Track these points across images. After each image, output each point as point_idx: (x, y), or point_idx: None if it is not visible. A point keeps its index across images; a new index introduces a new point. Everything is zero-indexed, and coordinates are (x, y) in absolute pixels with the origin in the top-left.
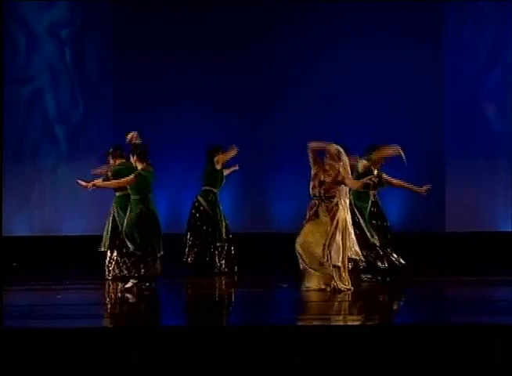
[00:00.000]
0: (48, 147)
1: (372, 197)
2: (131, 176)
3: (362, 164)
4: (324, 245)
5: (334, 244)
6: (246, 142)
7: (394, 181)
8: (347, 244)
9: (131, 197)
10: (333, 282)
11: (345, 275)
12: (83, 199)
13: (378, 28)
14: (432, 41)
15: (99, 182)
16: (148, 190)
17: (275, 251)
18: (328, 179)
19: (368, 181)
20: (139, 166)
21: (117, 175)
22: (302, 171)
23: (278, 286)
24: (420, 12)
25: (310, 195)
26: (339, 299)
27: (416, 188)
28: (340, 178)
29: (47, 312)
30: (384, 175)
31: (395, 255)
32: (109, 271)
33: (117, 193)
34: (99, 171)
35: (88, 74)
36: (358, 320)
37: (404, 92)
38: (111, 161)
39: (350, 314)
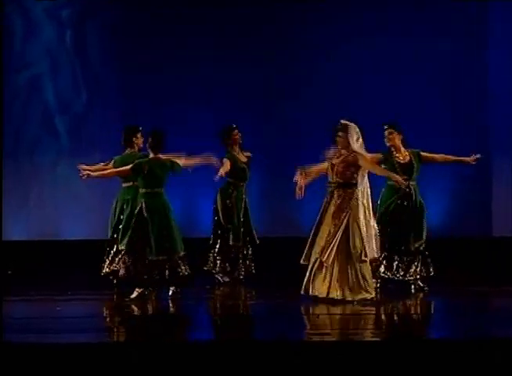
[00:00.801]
0: (47, 141)
1: (403, 189)
2: (131, 165)
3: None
4: (329, 243)
5: (339, 245)
6: (262, 139)
7: (438, 156)
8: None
9: (139, 190)
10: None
11: (362, 281)
12: (86, 199)
13: (416, 19)
14: (476, 34)
15: (95, 169)
16: (156, 184)
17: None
18: (337, 160)
19: (400, 183)
20: (151, 156)
21: (120, 164)
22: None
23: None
24: (464, 3)
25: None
26: (363, 311)
27: (463, 158)
28: (351, 156)
29: (47, 325)
30: (423, 153)
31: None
32: (102, 267)
33: (124, 185)
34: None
35: (91, 59)
36: (386, 334)
37: (445, 85)
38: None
39: (375, 328)
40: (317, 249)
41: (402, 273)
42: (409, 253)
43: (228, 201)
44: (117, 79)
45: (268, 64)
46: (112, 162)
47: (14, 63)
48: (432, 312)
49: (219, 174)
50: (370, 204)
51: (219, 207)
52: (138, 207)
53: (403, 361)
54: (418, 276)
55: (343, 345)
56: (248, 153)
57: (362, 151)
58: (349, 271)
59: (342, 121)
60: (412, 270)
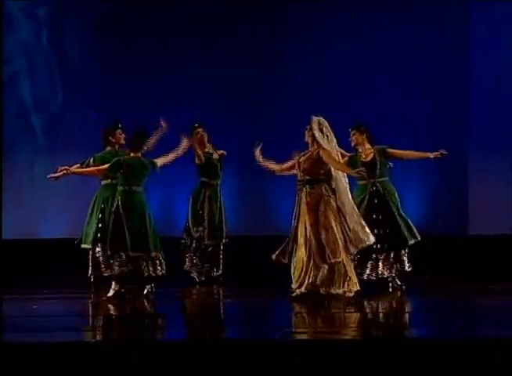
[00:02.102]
0: (24, 139)
1: (370, 187)
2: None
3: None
4: (305, 244)
5: (316, 243)
6: (245, 139)
7: (405, 153)
8: (344, 237)
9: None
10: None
11: (346, 276)
12: (63, 198)
13: (400, 19)
14: (457, 33)
15: (74, 168)
16: (133, 182)
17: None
18: (303, 158)
19: (356, 174)
20: (131, 154)
21: (100, 162)
22: None
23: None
24: (446, 3)
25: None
26: (338, 310)
27: (427, 154)
28: (315, 152)
29: (23, 324)
30: (390, 150)
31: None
32: (91, 270)
33: (102, 182)
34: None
35: (69, 57)
36: (364, 334)
37: (425, 85)
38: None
39: (354, 327)
40: (296, 248)
41: (376, 272)
42: (382, 250)
43: (198, 205)
44: (96, 78)
45: (252, 64)
46: (91, 160)
47: None
48: (410, 310)
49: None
50: (350, 198)
51: (189, 212)
52: (115, 205)
53: (383, 361)
54: (394, 275)
55: (321, 343)
56: (220, 152)
57: (329, 147)
58: (326, 267)
59: (312, 118)
60: (386, 268)
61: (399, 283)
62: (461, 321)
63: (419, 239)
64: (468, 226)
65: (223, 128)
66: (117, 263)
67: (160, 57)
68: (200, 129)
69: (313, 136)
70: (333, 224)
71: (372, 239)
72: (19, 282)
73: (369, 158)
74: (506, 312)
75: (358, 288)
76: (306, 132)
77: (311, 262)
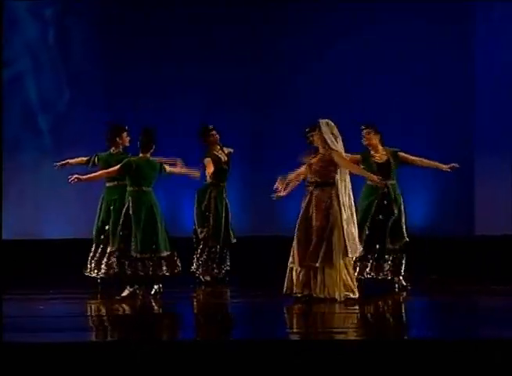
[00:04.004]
0: (29, 139)
1: (381, 189)
2: (121, 163)
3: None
4: (315, 245)
5: (327, 245)
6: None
7: (416, 159)
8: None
9: (127, 188)
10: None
11: (348, 280)
12: (69, 199)
13: (401, 19)
14: (461, 33)
15: (85, 177)
16: (143, 183)
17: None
18: (315, 160)
19: (376, 181)
20: (140, 155)
21: (105, 163)
22: None
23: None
24: (449, 3)
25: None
26: (347, 310)
27: (440, 165)
28: (327, 155)
29: (28, 325)
30: (401, 154)
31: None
32: (89, 267)
33: (108, 184)
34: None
35: (74, 57)
36: (370, 334)
37: (430, 86)
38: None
39: (359, 327)
40: (304, 252)
41: (382, 272)
42: (388, 252)
43: (203, 205)
44: (101, 78)
45: (252, 64)
46: (95, 159)
47: None
48: (411, 310)
49: (206, 177)
50: (352, 202)
51: (195, 213)
52: (126, 206)
53: (384, 361)
54: (401, 276)
55: (324, 343)
56: (229, 150)
57: (339, 149)
58: (333, 270)
59: (319, 121)
60: (392, 268)
61: (405, 283)
62: (465, 321)
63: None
64: (474, 227)
65: (224, 126)
66: (127, 264)
67: (161, 57)
68: (213, 132)
69: (323, 139)
70: (339, 226)
71: (360, 248)
72: (22, 282)
73: (383, 160)
74: (508, 312)
75: (356, 294)
76: (314, 135)
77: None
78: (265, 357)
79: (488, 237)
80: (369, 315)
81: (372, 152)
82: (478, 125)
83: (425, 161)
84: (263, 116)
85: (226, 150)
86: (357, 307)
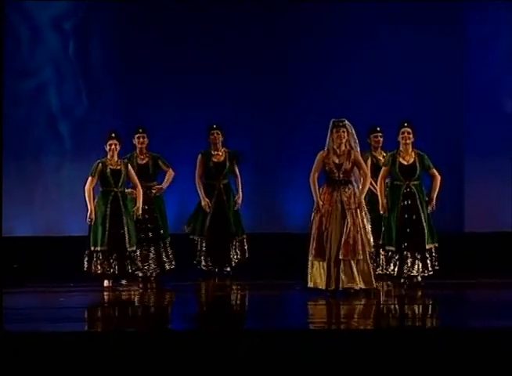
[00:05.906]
0: (51, 144)
1: (404, 188)
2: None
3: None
4: (341, 237)
5: (353, 237)
6: (257, 137)
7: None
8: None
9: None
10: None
11: (368, 271)
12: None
13: (401, 20)
14: (452, 35)
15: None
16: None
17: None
18: (343, 159)
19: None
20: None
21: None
22: None
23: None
24: (440, 4)
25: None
26: (351, 302)
27: (432, 196)
28: (354, 155)
29: (49, 315)
30: (427, 163)
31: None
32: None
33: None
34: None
35: (93, 66)
36: (369, 324)
37: (421, 87)
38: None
39: (362, 318)
40: (332, 247)
41: (406, 270)
42: (413, 250)
43: (203, 205)
44: (118, 86)
45: (262, 65)
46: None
47: (19, 70)
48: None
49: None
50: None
51: (197, 208)
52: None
53: (384, 351)
54: (422, 274)
55: (334, 332)
56: (228, 150)
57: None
58: (362, 263)
59: (345, 121)
60: (416, 267)
61: (419, 279)
62: (456, 313)
63: (436, 245)
64: (464, 225)
65: (236, 128)
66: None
67: (177, 65)
68: (215, 131)
69: (354, 139)
70: (365, 223)
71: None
72: (45, 276)
73: (410, 162)
74: (495, 304)
75: (374, 285)
76: (343, 133)
77: (340, 258)
78: (272, 347)
79: (477, 234)
80: (378, 306)
81: (402, 152)
82: (469, 125)
83: (433, 184)
84: (276, 116)
85: (224, 151)
86: (372, 299)
